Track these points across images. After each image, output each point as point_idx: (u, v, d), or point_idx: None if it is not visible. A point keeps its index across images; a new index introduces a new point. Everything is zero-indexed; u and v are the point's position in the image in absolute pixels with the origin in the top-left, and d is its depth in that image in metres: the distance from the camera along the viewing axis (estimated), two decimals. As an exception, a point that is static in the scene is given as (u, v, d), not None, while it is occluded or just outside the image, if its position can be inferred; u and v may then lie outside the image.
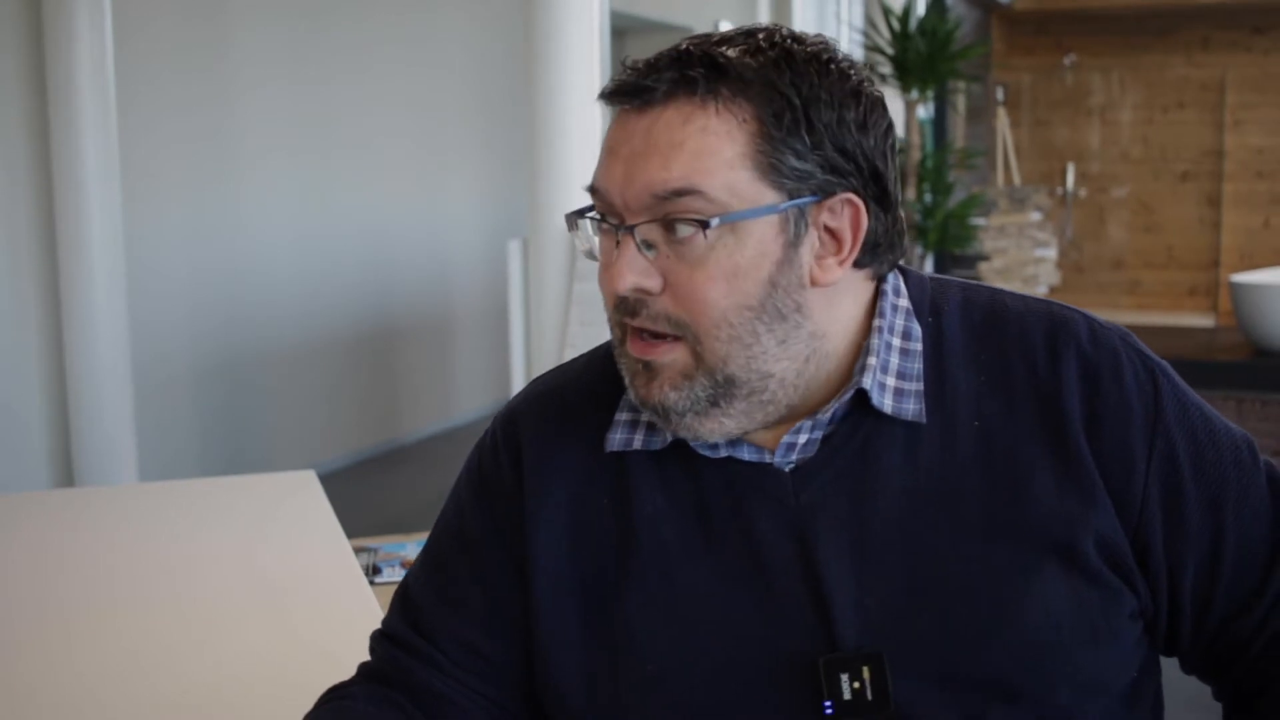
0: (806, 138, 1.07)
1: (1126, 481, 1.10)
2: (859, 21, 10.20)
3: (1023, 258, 9.91)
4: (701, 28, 9.72)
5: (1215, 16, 12.19)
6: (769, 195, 1.06)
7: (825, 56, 1.11)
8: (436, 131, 7.55)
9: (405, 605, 1.25)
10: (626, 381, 1.13)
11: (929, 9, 9.17)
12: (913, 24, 8.33)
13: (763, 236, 1.07)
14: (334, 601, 1.92)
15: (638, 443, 1.16)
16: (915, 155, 8.48)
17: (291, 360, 6.50)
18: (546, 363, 4.62)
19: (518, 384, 4.79)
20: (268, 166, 6.30)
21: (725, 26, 8.25)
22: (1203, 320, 11.92)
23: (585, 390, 1.22)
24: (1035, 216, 10.21)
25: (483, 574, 1.21)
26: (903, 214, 1.17)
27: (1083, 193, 12.67)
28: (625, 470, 1.16)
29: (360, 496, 5.82)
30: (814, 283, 1.10)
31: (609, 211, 1.09)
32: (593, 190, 1.11)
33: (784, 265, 1.08)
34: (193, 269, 5.92)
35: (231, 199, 6.11)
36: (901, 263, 1.21)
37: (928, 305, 1.18)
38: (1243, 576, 1.12)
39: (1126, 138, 12.68)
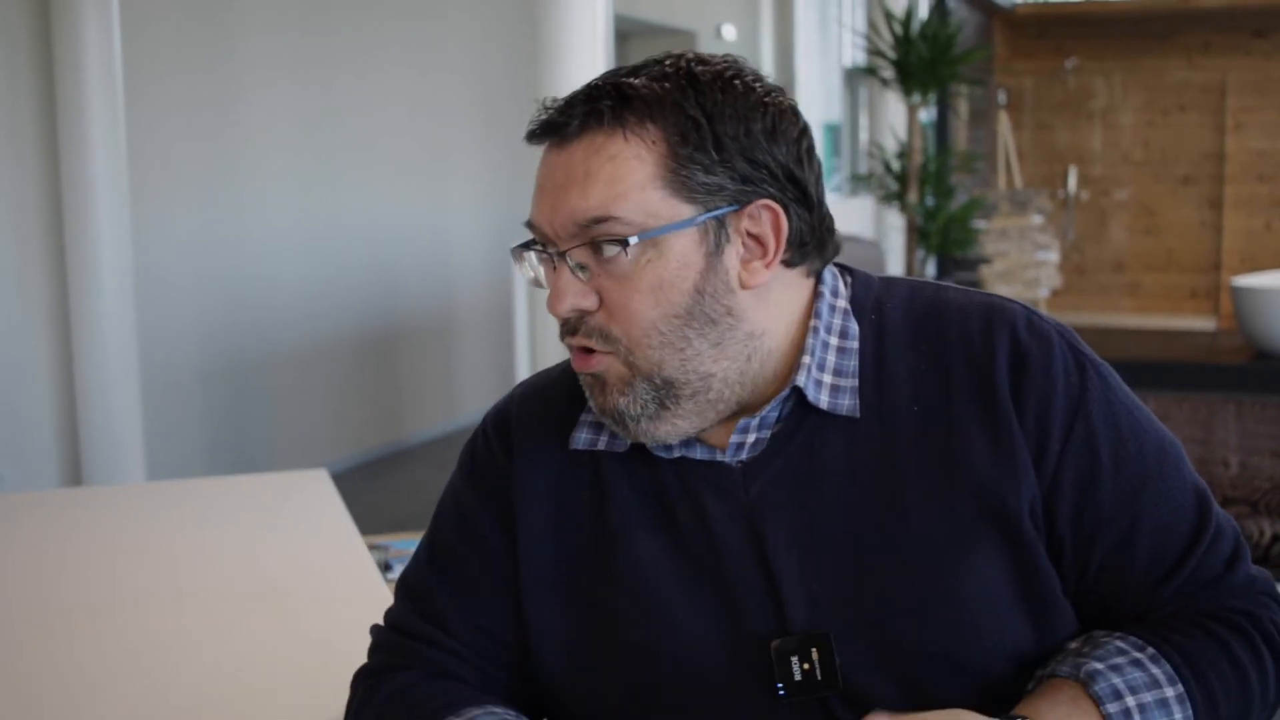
0: (714, 153, 1.14)
1: (1041, 456, 1.16)
2: (861, 26, 10.22)
3: (1024, 261, 9.94)
4: (704, 30, 9.76)
5: (1216, 20, 12.22)
6: (684, 210, 1.14)
7: (729, 74, 1.18)
8: (440, 134, 7.59)
9: (413, 597, 1.30)
10: (587, 395, 1.21)
11: (931, 13, 9.21)
12: (915, 28, 8.36)
13: (684, 249, 1.14)
14: (350, 598, 1.94)
15: (602, 444, 1.24)
16: (917, 159, 8.51)
17: (297, 362, 6.54)
18: (550, 363, 4.65)
19: (523, 385, 4.81)
20: (273, 169, 6.34)
21: (728, 30, 8.24)
22: (1204, 323, 11.95)
23: (565, 391, 1.29)
24: (1037, 220, 10.24)
25: (488, 559, 1.26)
26: (828, 212, 1.23)
27: (1084, 196, 12.70)
28: (598, 466, 1.24)
29: (365, 497, 5.85)
30: (743, 286, 1.17)
31: (545, 241, 1.18)
32: (530, 224, 1.19)
33: (708, 273, 1.15)
34: (199, 271, 5.95)
35: (237, 201, 6.14)
36: (844, 263, 1.28)
37: (871, 304, 1.24)
38: (1153, 567, 1.17)
39: (1128, 141, 12.71)
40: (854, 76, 12.15)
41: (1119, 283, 12.81)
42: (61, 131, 5.06)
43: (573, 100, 1.16)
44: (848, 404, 1.18)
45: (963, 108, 10.86)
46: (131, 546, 2.22)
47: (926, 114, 9.65)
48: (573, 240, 1.14)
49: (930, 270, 8.92)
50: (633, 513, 1.21)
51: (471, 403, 7.95)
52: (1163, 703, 1.11)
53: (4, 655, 1.66)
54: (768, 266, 1.18)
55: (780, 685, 1.13)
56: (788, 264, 1.19)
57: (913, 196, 8.42)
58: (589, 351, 1.17)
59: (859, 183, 10.55)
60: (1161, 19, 12.34)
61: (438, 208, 7.59)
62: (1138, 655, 1.13)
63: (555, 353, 4.64)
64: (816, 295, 1.22)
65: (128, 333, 5.21)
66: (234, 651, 1.78)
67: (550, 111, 1.17)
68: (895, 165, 8.64)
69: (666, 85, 1.15)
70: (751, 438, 1.19)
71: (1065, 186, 12.54)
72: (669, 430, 1.17)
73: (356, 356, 6.97)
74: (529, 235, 1.20)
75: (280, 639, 1.81)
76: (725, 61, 1.19)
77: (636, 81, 1.15)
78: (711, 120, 1.14)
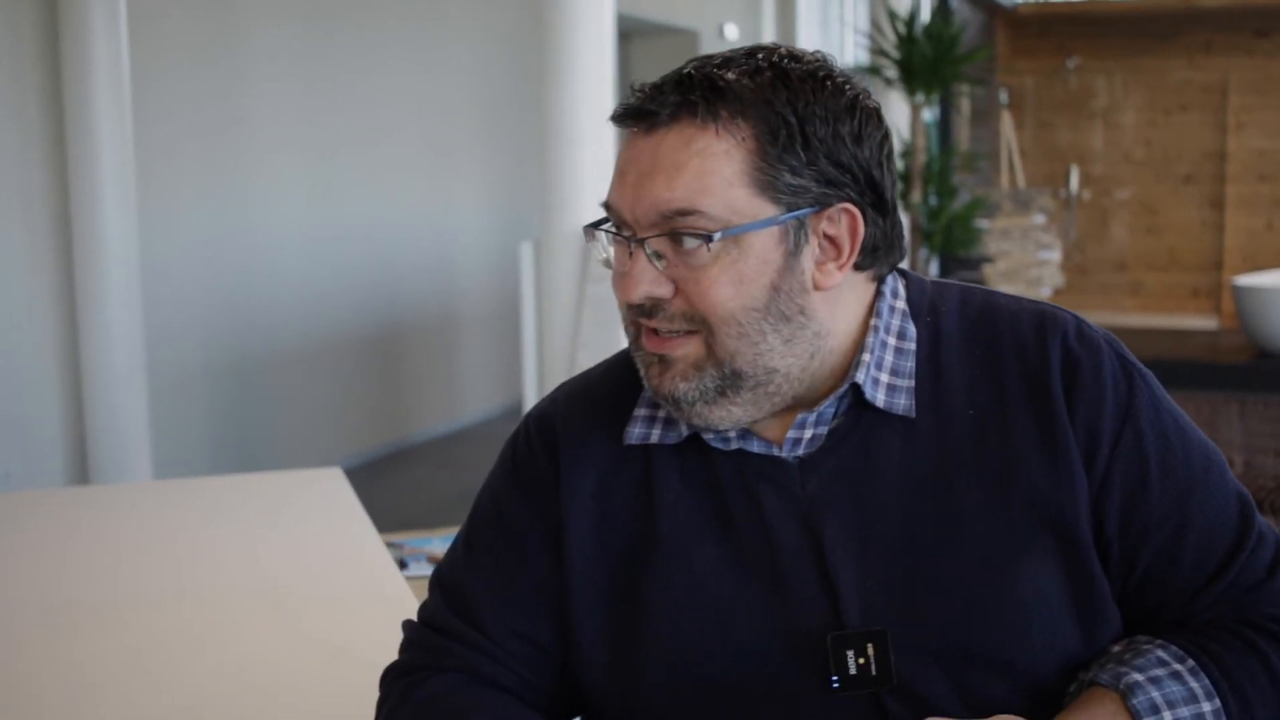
0: (802, 154, 1.15)
1: (1091, 462, 1.18)
2: (864, 25, 10.24)
3: (1026, 260, 9.95)
4: (705, 30, 9.76)
5: (1217, 20, 12.24)
6: (767, 209, 1.14)
7: (821, 74, 1.18)
8: (444, 132, 7.60)
9: (448, 595, 1.30)
10: (642, 374, 1.21)
11: (934, 13, 9.22)
12: (918, 28, 8.37)
13: (764, 247, 1.15)
14: (372, 596, 1.94)
15: (655, 437, 1.24)
16: (920, 158, 8.52)
17: (301, 360, 6.55)
18: (558, 363, 4.67)
19: (529, 384, 4.83)
20: (278, 167, 6.35)
21: (730, 29, 8.23)
22: (1205, 322, 11.96)
23: (610, 391, 1.30)
24: (1039, 219, 10.25)
25: (527, 562, 1.26)
26: (902, 217, 1.25)
27: (1086, 195, 12.72)
28: (649, 462, 1.24)
29: (369, 496, 5.82)
30: (816, 287, 1.18)
31: (621, 224, 1.18)
32: (606, 205, 1.19)
33: (785, 272, 1.16)
34: (204, 269, 5.96)
35: (242, 200, 6.16)
36: (904, 267, 1.29)
37: (926, 307, 1.26)
38: (1197, 572, 1.19)
39: (1129, 140, 12.73)
40: (857, 76, 12.14)
41: (1121, 282, 12.82)
42: (69, 128, 5.07)
43: (663, 87, 1.16)
44: (903, 403, 1.20)
45: (964, 107, 10.87)
46: (141, 544, 2.22)
47: (929, 113, 9.67)
48: (652, 229, 1.15)
49: (934, 269, 8.93)
50: (683, 508, 1.21)
51: (474, 402, 7.96)
52: (1199, 717, 1.12)
53: (11, 653, 1.65)
54: (840, 269, 1.19)
55: (835, 678, 1.14)
56: (858, 267, 1.20)
57: (916, 196, 8.44)
58: (671, 333, 1.17)
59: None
60: (1163, 18, 12.35)
61: (442, 206, 7.61)
62: (1177, 667, 1.14)
63: (564, 353, 4.66)
64: (877, 295, 1.24)
65: (134, 331, 5.23)
66: (251, 649, 1.78)
67: (640, 96, 1.16)
68: (899, 165, 8.65)
69: (759, 81, 1.15)
70: (808, 433, 1.20)
71: (1067, 186, 12.55)
72: (722, 416, 1.18)
73: (360, 355, 6.98)
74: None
75: (298, 638, 1.82)
76: (816, 59, 1.20)
77: (730, 75, 1.15)
78: (802, 121, 1.15)
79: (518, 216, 8.14)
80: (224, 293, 6.07)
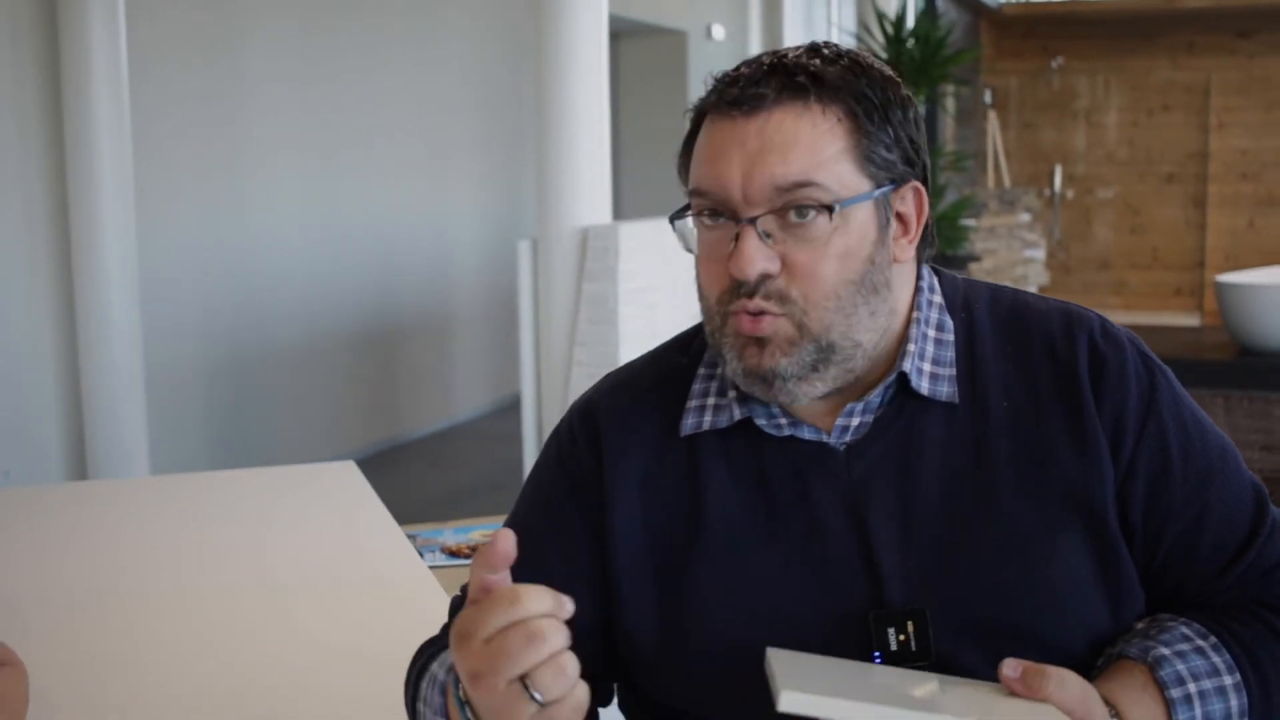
0: (890, 132, 1.22)
1: (1117, 452, 1.24)
2: (850, 25, 10.30)
3: (1012, 258, 10.03)
4: (694, 31, 9.82)
5: (1200, 20, 12.33)
6: (865, 184, 1.21)
7: (879, 65, 1.27)
8: (441, 132, 7.64)
9: None
10: (730, 360, 1.25)
11: (921, 14, 9.28)
12: (905, 29, 8.43)
13: (864, 220, 1.21)
14: (397, 584, 1.98)
15: (706, 424, 1.29)
16: (907, 157, 8.57)
17: (298, 358, 6.59)
18: (556, 361, 4.72)
19: (527, 381, 4.87)
20: (276, 166, 6.39)
21: (717, 29, 8.25)
22: (1188, 320, 12.06)
23: (653, 382, 1.35)
24: (1024, 218, 10.33)
25: (568, 546, 1.31)
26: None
27: (1070, 194, 12.80)
28: (694, 451, 1.29)
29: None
30: (895, 260, 1.25)
31: (721, 208, 1.21)
32: (698, 192, 1.23)
33: (879, 245, 1.23)
34: (202, 267, 5.99)
35: (240, 198, 6.19)
36: (936, 266, 1.36)
37: (960, 302, 1.33)
38: (1215, 557, 1.26)
39: (1112, 140, 12.81)
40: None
41: (1105, 280, 12.91)
42: (67, 127, 5.11)
43: (756, 75, 1.21)
44: (947, 391, 1.26)
45: (951, 107, 10.94)
46: (147, 540, 2.23)
47: (916, 113, 9.71)
48: (766, 205, 1.19)
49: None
50: (730, 494, 1.26)
51: (469, 399, 8.01)
52: (1220, 690, 1.19)
53: (16, 646, 1.65)
54: (911, 244, 1.26)
55: (878, 654, 1.19)
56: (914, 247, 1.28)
57: (903, 195, 8.50)
58: (757, 315, 1.21)
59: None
60: (1146, 19, 12.44)
61: (438, 206, 7.65)
62: (1201, 643, 1.21)
63: (561, 351, 4.71)
64: (916, 290, 1.30)
65: (132, 329, 5.26)
66: (276, 641, 1.79)
67: (734, 84, 1.21)
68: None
69: (841, 66, 1.22)
70: (855, 421, 1.26)
71: (1051, 185, 12.63)
72: (808, 390, 1.23)
73: (356, 352, 7.02)
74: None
75: (323, 630, 1.84)
76: (868, 53, 1.28)
77: (816, 63, 1.21)
78: (885, 103, 1.22)
79: (514, 215, 8.19)
80: (221, 291, 6.10)
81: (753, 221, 1.19)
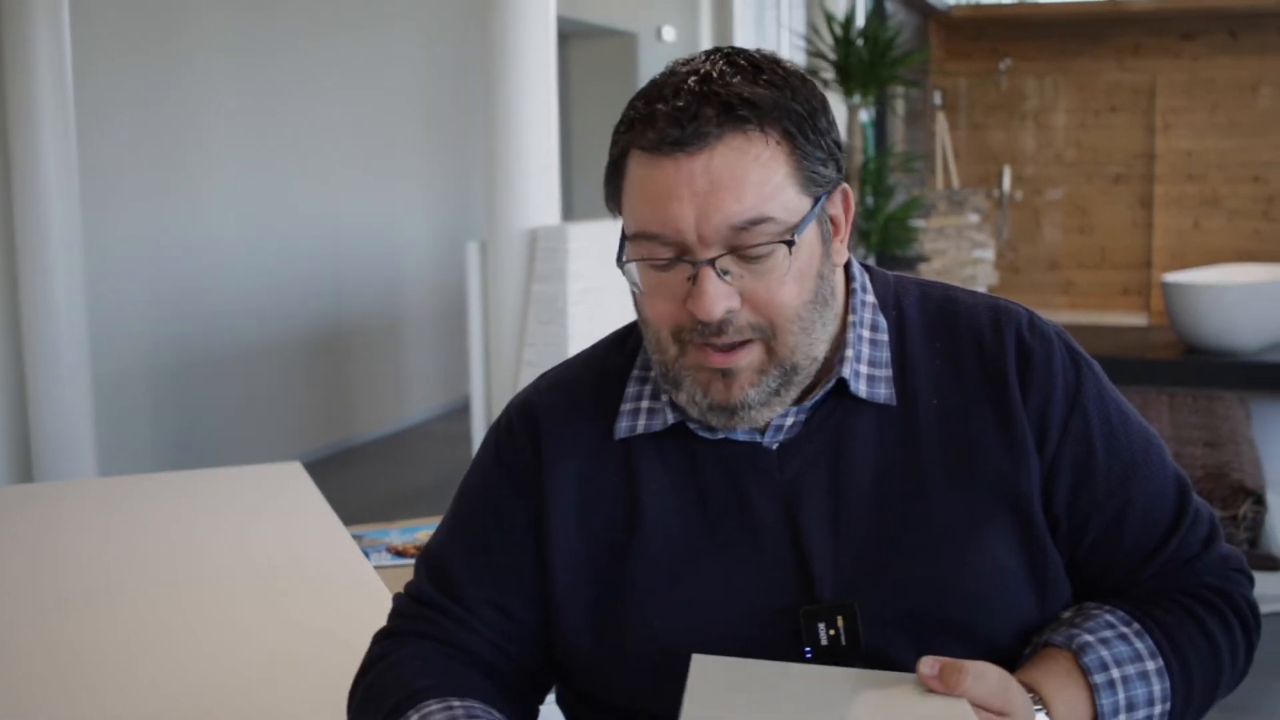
0: (822, 143, 1.22)
1: (1042, 444, 1.27)
2: (799, 27, 10.34)
3: (961, 259, 10.10)
4: (644, 32, 9.83)
5: (1145, 23, 12.46)
6: (807, 202, 1.21)
7: (792, 68, 1.26)
8: (390, 133, 7.62)
9: (433, 572, 1.36)
10: (692, 393, 1.24)
11: (870, 16, 9.33)
12: (854, 31, 8.48)
13: (811, 238, 1.22)
14: (340, 584, 1.98)
15: (640, 427, 1.30)
16: (857, 159, 8.63)
17: (247, 362, 6.55)
18: (505, 362, 4.72)
19: (476, 383, 4.88)
20: (223, 170, 6.35)
21: (668, 31, 8.25)
22: (1135, 319, 12.18)
23: (590, 382, 1.36)
24: (973, 218, 10.41)
25: (509, 540, 1.33)
26: None
27: (1018, 195, 12.90)
28: (629, 453, 1.31)
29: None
30: (835, 265, 1.26)
31: (673, 249, 1.19)
32: (646, 235, 1.19)
33: (824, 257, 1.24)
34: (150, 271, 5.95)
35: (188, 202, 6.15)
36: (870, 263, 1.38)
37: (891, 299, 1.34)
38: (1138, 546, 1.29)
39: (1060, 141, 12.92)
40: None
41: (1053, 280, 13.01)
42: (11, 132, 5.06)
43: (689, 108, 1.17)
44: (884, 393, 1.28)
45: (900, 108, 11.01)
46: (88, 541, 2.23)
47: (866, 114, 9.78)
48: (722, 244, 1.17)
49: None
50: (666, 494, 1.28)
51: (419, 401, 7.99)
52: (1143, 675, 1.22)
53: None
54: (843, 244, 1.27)
55: (807, 649, 1.21)
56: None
57: (853, 196, 8.54)
58: (733, 346, 1.20)
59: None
60: (1093, 21, 12.56)
61: (386, 209, 7.63)
62: (1124, 630, 1.24)
63: (511, 351, 4.71)
64: (849, 290, 1.31)
65: (79, 333, 5.21)
66: (217, 639, 1.80)
67: (668, 120, 1.17)
68: (836, 165, 8.74)
69: (765, 84, 1.19)
70: (789, 421, 1.27)
71: (1000, 186, 12.73)
72: (769, 415, 1.24)
73: (306, 355, 6.99)
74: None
75: (273, 626, 1.84)
76: (774, 56, 1.25)
77: (741, 82, 1.18)
78: (812, 113, 1.21)
79: (465, 217, 8.18)
80: (169, 293, 6.06)
81: (711, 263, 1.18)
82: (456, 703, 1.24)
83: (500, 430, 1.39)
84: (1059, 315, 12.33)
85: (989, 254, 10.44)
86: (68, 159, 5.10)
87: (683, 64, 1.23)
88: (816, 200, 1.21)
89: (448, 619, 1.33)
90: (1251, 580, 1.34)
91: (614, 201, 1.25)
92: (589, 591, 1.28)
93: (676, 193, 1.17)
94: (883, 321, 1.31)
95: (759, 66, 1.22)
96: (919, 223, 9.38)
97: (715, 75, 1.20)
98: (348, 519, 2.37)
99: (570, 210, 7.18)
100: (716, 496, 1.27)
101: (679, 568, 1.26)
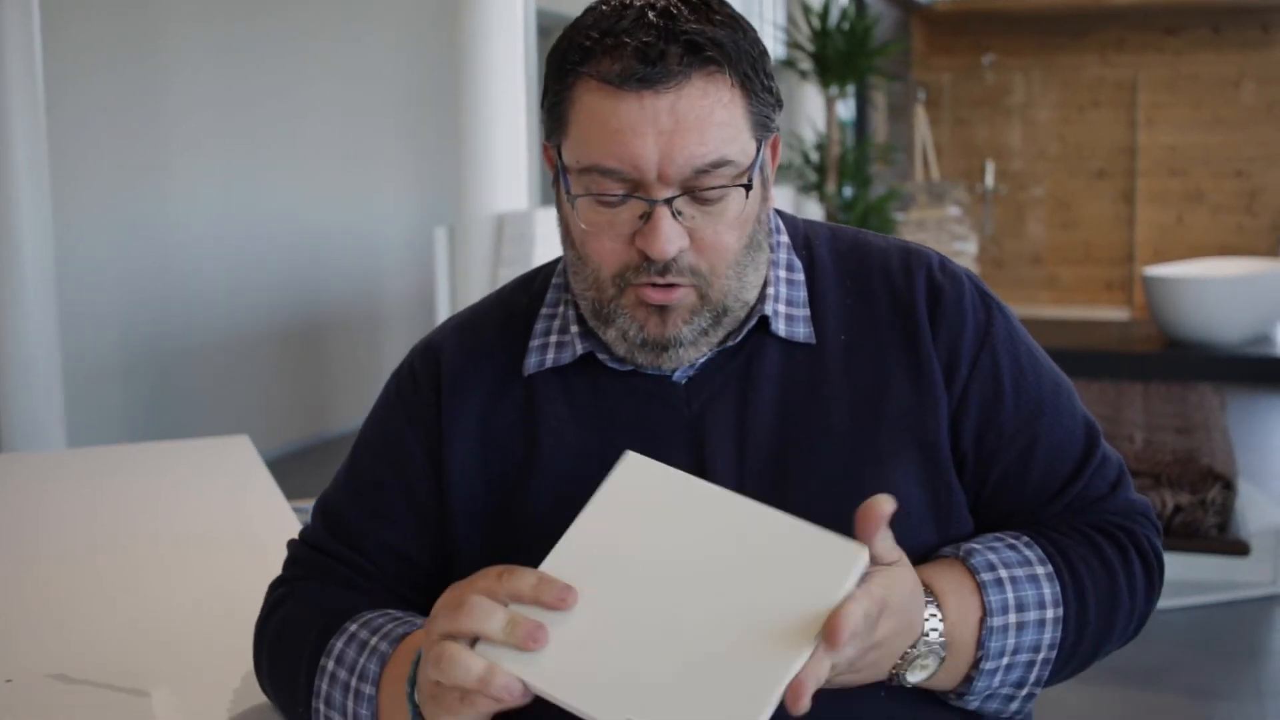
0: (770, 88, 1.22)
1: (950, 382, 1.27)
2: (780, 19, 10.34)
3: (941, 251, 10.10)
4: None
5: (1129, 18, 12.48)
6: (753, 146, 1.20)
7: (733, 9, 1.24)
8: (363, 122, 7.60)
9: (328, 518, 1.36)
10: (627, 329, 1.22)
11: (847, 6, 9.33)
12: (831, 21, 8.48)
13: (756, 184, 1.22)
14: (276, 545, 1.97)
15: (549, 361, 1.29)
16: (835, 150, 8.63)
17: (221, 354, 6.54)
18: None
19: (445, 369, 4.87)
20: (197, 162, 6.33)
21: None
22: (1118, 314, 12.20)
23: (496, 324, 1.35)
24: (953, 211, 10.41)
25: (406, 484, 1.32)
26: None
27: (1002, 190, 12.92)
28: (533, 392, 1.30)
29: (289, 488, 5.84)
30: (768, 210, 1.27)
31: (626, 186, 1.17)
32: (601, 170, 1.16)
33: (763, 201, 1.25)
34: (123, 263, 5.93)
35: (161, 195, 6.13)
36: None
37: (801, 240, 1.35)
38: (1044, 484, 1.29)
39: (1044, 136, 12.94)
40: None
41: (1037, 275, 13.04)
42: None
43: (656, 45, 1.14)
44: (803, 331, 1.28)
45: (881, 101, 11.01)
46: (51, 505, 2.24)
47: (845, 108, 9.79)
48: (681, 185, 1.16)
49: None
50: (569, 431, 1.27)
51: (396, 394, 7.97)
52: (1033, 578, 1.22)
53: None
54: (770, 190, 1.27)
55: None
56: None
57: (831, 187, 8.54)
58: (668, 286, 1.19)
59: (778, 173, 10.65)
60: (1076, 16, 12.58)
61: (361, 201, 7.61)
62: (1013, 541, 1.25)
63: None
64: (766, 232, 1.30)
65: (49, 324, 5.19)
66: (154, 602, 1.80)
67: (641, 54, 1.14)
68: (814, 156, 8.76)
69: (720, 21, 1.18)
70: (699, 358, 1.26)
71: (983, 181, 12.74)
72: (696, 354, 1.24)
73: (280, 347, 6.97)
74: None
75: (204, 587, 1.85)
76: None
77: (699, 22, 1.16)
78: (762, 56, 1.21)
79: (436, 207, 8.16)
80: (142, 286, 6.04)
81: (669, 202, 1.16)
82: (395, 611, 1.26)
83: (401, 374, 1.38)
84: (1043, 310, 12.35)
85: (970, 246, 10.45)
86: (38, 155, 5.06)
87: None
88: (759, 145, 1.21)
89: (345, 566, 1.32)
90: (1159, 530, 1.34)
91: (557, 131, 1.22)
92: (487, 532, 1.27)
93: (639, 130, 1.14)
94: (798, 262, 1.32)
95: (708, 3, 1.20)
96: (898, 215, 9.38)
97: (674, 11, 1.17)
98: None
99: (543, 195, 7.16)
100: (622, 430, 1.26)
101: (577, 505, 1.22)
